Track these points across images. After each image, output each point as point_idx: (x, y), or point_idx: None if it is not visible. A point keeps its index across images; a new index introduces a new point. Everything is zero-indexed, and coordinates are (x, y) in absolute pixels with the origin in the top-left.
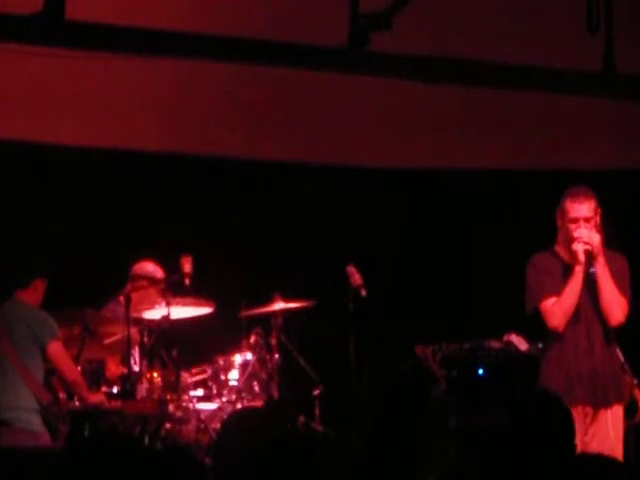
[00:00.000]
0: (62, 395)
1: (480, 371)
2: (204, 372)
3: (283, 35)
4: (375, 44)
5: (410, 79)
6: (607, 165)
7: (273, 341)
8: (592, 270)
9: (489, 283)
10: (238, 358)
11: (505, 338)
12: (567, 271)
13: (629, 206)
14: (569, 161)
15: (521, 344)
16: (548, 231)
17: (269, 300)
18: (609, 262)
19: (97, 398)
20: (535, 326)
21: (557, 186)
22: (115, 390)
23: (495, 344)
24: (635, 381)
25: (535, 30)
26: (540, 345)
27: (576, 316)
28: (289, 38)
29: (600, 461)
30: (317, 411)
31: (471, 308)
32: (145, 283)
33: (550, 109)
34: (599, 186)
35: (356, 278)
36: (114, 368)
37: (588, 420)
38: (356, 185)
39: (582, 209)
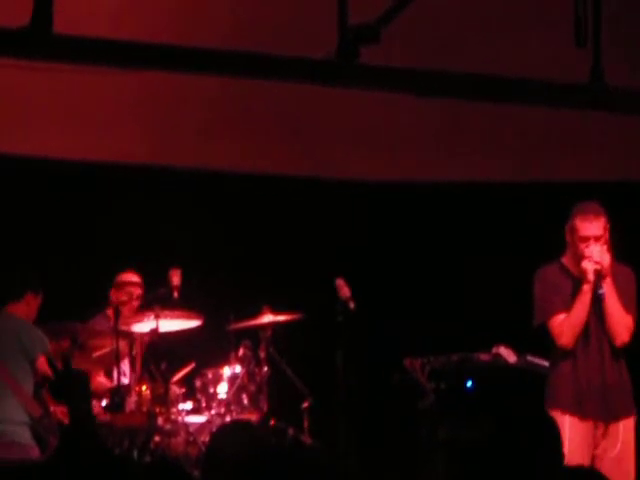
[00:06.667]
0: (52, 408)
1: (469, 383)
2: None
3: (271, 48)
4: (364, 56)
5: (399, 92)
6: (598, 176)
7: (262, 354)
8: (601, 292)
9: (478, 295)
10: (227, 371)
11: (494, 350)
12: (576, 286)
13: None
14: (559, 173)
15: (510, 356)
16: (537, 242)
17: (258, 313)
18: (616, 276)
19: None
20: (543, 339)
21: (546, 198)
22: (104, 403)
23: (484, 356)
24: None
25: (524, 43)
26: (529, 357)
27: (586, 332)
28: (277, 51)
29: (586, 475)
30: (306, 423)
31: (460, 320)
32: (126, 289)
33: (540, 121)
34: (588, 198)
35: (345, 291)
36: (98, 381)
37: (599, 433)
38: (345, 197)
39: (592, 227)
